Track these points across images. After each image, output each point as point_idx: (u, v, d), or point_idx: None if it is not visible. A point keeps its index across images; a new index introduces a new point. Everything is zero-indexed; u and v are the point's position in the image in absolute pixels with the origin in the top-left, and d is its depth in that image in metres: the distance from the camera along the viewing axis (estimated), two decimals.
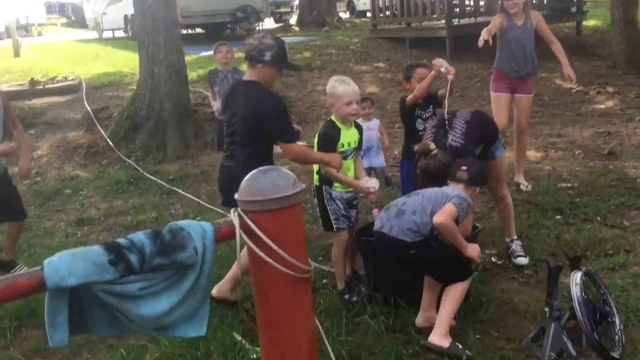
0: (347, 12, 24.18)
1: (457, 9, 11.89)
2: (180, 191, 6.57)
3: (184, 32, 16.10)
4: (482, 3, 11.89)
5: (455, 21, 11.83)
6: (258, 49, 3.40)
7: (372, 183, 3.71)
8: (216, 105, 6.19)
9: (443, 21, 11.88)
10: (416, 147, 3.54)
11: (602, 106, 8.78)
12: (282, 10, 24.76)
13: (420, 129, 4.24)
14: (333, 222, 3.68)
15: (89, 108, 9.02)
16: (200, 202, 6.13)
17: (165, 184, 6.81)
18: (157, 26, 7.99)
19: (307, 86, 10.79)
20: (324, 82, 10.98)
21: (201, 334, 1.92)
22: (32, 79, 10.34)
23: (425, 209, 3.04)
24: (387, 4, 13.54)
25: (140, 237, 1.81)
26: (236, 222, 1.88)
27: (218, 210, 5.80)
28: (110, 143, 8.09)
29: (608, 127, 7.55)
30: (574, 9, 12.16)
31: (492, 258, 4.13)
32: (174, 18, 8.22)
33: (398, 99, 9.98)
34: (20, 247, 5.03)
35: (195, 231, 1.84)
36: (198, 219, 5.64)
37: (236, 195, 2.00)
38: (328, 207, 3.68)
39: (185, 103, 8.39)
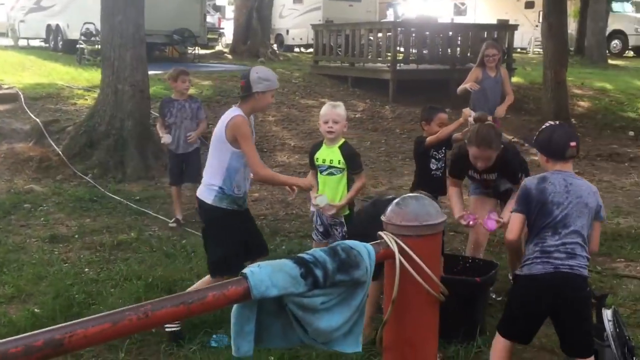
0: (275, 45, 24.57)
1: (402, 55, 12.50)
2: (152, 213, 6.43)
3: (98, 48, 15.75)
4: (425, 52, 12.58)
5: (399, 65, 12.43)
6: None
7: (320, 200, 3.92)
8: (168, 137, 5.93)
9: (387, 64, 12.47)
10: (474, 115, 4.12)
11: (535, 158, 9.50)
12: (209, 36, 24.77)
13: (433, 168, 4.55)
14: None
15: (38, 120, 8.60)
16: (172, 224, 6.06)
17: (133, 205, 6.64)
18: (125, 42, 7.86)
19: (257, 115, 10.86)
20: (274, 112, 11.21)
21: (357, 350, 2.00)
22: None
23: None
24: (330, 42, 13.97)
25: (320, 253, 1.88)
26: (394, 247, 2.01)
27: (198, 233, 5.76)
28: (64, 158, 7.76)
29: None
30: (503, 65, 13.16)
31: (492, 295, 4.39)
32: (142, 36, 8.12)
33: (349, 135, 10.31)
34: None
35: (363, 251, 1.95)
36: (184, 241, 5.58)
37: (384, 218, 2.12)
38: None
39: (147, 123, 8.24)
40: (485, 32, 12.91)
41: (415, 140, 4.65)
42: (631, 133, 11.15)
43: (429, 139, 4.48)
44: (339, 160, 4.00)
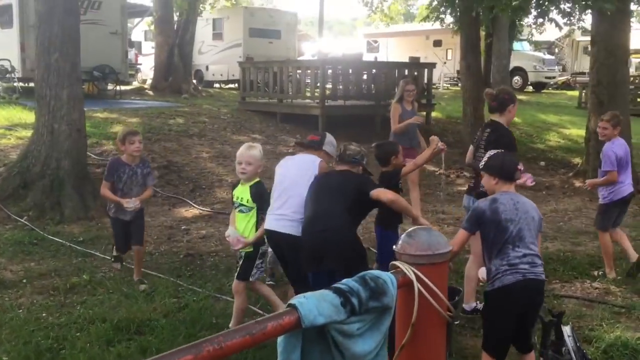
0: (195, 81, 24.49)
1: (329, 92, 12.93)
2: (99, 254, 6.31)
3: (22, 85, 15.29)
4: (350, 88, 13.08)
5: (327, 101, 12.83)
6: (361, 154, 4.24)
7: (228, 232, 4.33)
8: (134, 201, 5.28)
9: (315, 101, 12.85)
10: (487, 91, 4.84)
11: (464, 188, 10.13)
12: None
13: None
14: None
15: None
16: (129, 265, 5.98)
17: (77, 247, 6.49)
18: (61, 81, 7.72)
19: (190, 152, 10.88)
20: (207, 149, 11.24)
21: None
22: None
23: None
24: (257, 79, 14.21)
25: (352, 283, 2.06)
26: (412, 275, 2.22)
27: (154, 273, 5.74)
28: None
29: None
30: (424, 101, 13.90)
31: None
32: (78, 74, 8.01)
33: None
34: None
35: (387, 279, 2.14)
36: (145, 284, 5.52)
37: (396, 248, 2.33)
38: None
39: (84, 162, 8.08)
40: (406, 70, 13.59)
41: (383, 174, 4.88)
42: (542, 163, 12.08)
43: (406, 169, 4.81)
44: (248, 199, 4.28)
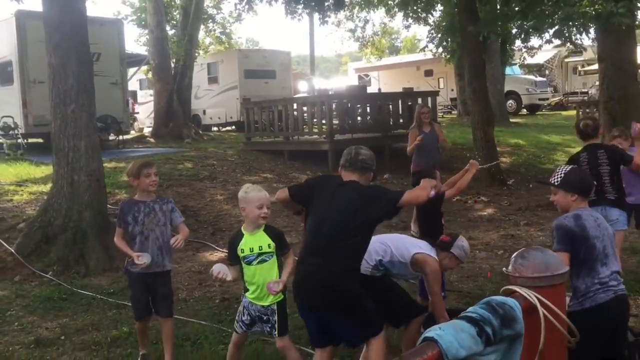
0: (193, 126, 24.51)
1: (337, 126, 12.94)
2: (131, 305, 6.13)
3: (25, 141, 15.22)
4: (359, 119, 13.12)
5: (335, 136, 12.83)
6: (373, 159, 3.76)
7: (217, 267, 3.89)
8: (146, 257, 4.35)
9: (323, 136, 12.84)
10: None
11: (484, 213, 10.07)
12: None
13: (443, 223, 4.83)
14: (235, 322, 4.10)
15: None
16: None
17: (109, 299, 6.32)
18: (78, 132, 7.65)
19: (204, 196, 10.79)
20: (220, 191, 11.15)
21: None
22: None
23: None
24: (262, 119, 14.23)
25: (482, 311, 1.95)
26: (535, 300, 2.11)
27: (194, 320, 5.58)
28: (19, 257, 7.28)
29: (504, 231, 8.69)
30: None
31: None
32: (95, 124, 7.97)
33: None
34: None
35: (513, 305, 2.04)
36: (181, 329, 5.36)
37: (508, 271, 2.24)
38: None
39: (104, 213, 7.94)
40: (410, 100, 13.66)
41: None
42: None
43: (450, 193, 4.80)
44: (269, 244, 3.87)
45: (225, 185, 11.48)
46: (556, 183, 3.41)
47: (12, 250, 7.40)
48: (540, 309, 2.10)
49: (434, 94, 14.21)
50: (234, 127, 23.88)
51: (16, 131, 14.49)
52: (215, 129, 24.79)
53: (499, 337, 1.91)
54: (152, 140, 19.00)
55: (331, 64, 78.96)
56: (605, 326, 3.10)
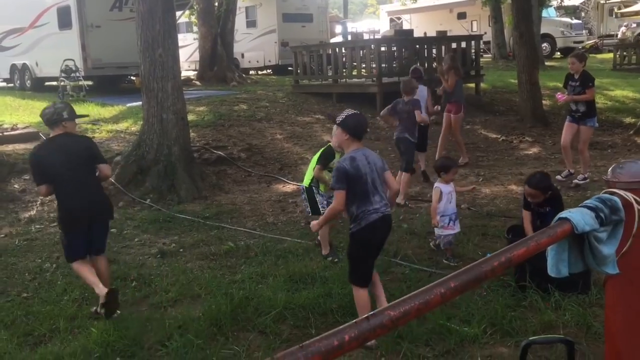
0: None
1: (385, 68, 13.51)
2: (230, 227, 7.04)
3: (87, 84, 16.02)
4: (404, 64, 13.67)
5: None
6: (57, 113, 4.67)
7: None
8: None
9: (372, 79, 13.45)
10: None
11: (529, 152, 10.73)
12: None
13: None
14: (320, 209, 5.67)
15: None
16: (258, 232, 6.73)
17: (209, 222, 7.21)
18: (166, 74, 8.42)
19: (265, 135, 11.56)
20: (279, 131, 11.92)
21: (616, 272, 2.85)
22: None
23: None
24: (312, 62, 14.83)
25: (595, 202, 2.73)
26: (631, 199, 2.88)
27: (287, 238, 6.45)
28: (119, 186, 8.20)
29: (551, 168, 9.37)
30: (473, 73, 14.45)
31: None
32: (179, 67, 8.70)
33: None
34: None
35: (617, 199, 2.81)
36: (279, 246, 6.24)
37: (607, 177, 3.00)
38: (317, 199, 5.80)
39: (189, 148, 8.81)
40: (455, 44, 14.13)
41: None
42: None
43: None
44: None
45: (282, 125, 12.24)
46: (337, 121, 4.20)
47: (112, 180, 8.31)
48: (635, 205, 2.86)
49: (478, 38, 14.62)
50: (270, 70, 24.42)
51: (77, 74, 15.28)
52: (252, 72, 25.36)
53: (608, 220, 2.69)
54: (197, 83, 19.70)
55: (355, 5, 77.97)
56: (375, 239, 4.16)
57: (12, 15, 18.77)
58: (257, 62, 24.02)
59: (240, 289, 4.94)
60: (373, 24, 37.94)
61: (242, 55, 24.82)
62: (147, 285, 5.25)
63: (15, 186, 8.20)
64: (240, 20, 24.24)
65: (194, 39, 22.32)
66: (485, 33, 27.64)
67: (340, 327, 1.20)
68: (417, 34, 26.06)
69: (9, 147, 9.48)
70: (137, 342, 4.18)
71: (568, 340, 2.32)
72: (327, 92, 14.38)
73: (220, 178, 9.10)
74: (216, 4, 20.57)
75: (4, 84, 20.40)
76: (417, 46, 13.96)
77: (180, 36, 28.00)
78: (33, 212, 7.60)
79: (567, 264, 2.73)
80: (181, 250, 6.24)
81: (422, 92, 8.43)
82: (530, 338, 2.18)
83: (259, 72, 24.85)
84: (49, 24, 16.96)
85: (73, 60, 15.43)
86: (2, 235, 6.82)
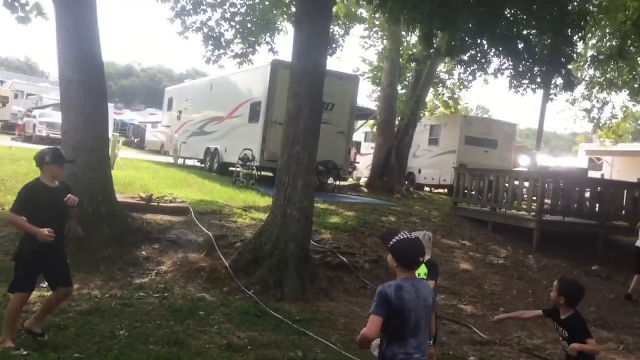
0: (407, 183, 25.19)
1: (549, 206, 12.49)
2: (312, 335, 6.69)
3: (258, 173, 17.09)
4: (571, 204, 12.52)
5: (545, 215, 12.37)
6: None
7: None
8: None
9: (531, 213, 12.45)
10: None
11: None
12: None
13: None
14: None
15: (210, 234, 9.42)
16: (336, 348, 6.27)
17: (294, 325, 6.94)
18: (299, 171, 8.59)
19: None
20: None
21: None
22: (150, 196, 10.92)
23: None
24: (472, 186, 14.26)
25: None
26: None
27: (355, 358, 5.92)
28: (231, 272, 8.33)
29: None
30: None
31: None
32: (314, 165, 8.85)
33: (494, 281, 10.19)
34: None
35: None
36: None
37: None
38: None
39: (307, 246, 8.76)
40: (637, 191, 12.64)
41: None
42: None
43: None
44: (425, 273, 5.06)
45: None
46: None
47: (227, 265, 8.50)
48: None
49: None
50: (445, 190, 24.05)
51: (252, 163, 16.43)
52: (427, 189, 25.21)
53: None
54: (364, 189, 20.04)
55: (564, 142, 75.00)
56: None
57: (217, 106, 21.14)
58: (432, 179, 23.87)
59: None
60: (571, 162, 35.90)
61: (419, 171, 24.91)
62: None
63: (143, 252, 8.76)
64: (423, 136, 24.57)
65: (372, 148, 22.97)
66: None
67: None
68: (618, 179, 23.96)
69: (157, 217, 10.29)
70: None
71: None
72: (483, 219, 13.61)
73: (332, 284, 8.84)
74: (398, 118, 21.11)
75: (198, 164, 22.71)
76: (590, 187, 12.73)
77: (364, 144, 29.36)
78: (146, 280, 7.99)
79: None
80: (249, 347, 6.02)
81: None
82: None
83: (433, 190, 24.61)
84: (242, 116, 18.71)
85: (251, 150, 16.69)
86: (107, 296, 7.21)
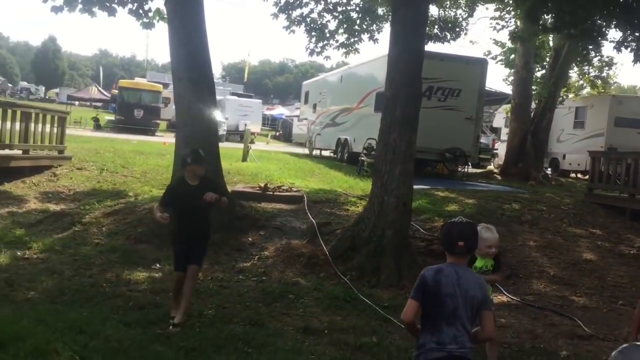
0: (549, 169, 23.72)
1: None
2: (396, 321, 6.65)
3: None
4: None
5: None
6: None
7: None
8: None
9: None
10: None
11: None
12: (482, 156, 25.16)
13: None
14: None
15: (314, 221, 9.70)
16: None
17: (380, 311, 6.95)
18: (396, 158, 8.53)
19: (517, 239, 10.60)
20: (535, 238, 10.78)
21: None
22: (265, 185, 11.47)
23: None
24: (609, 171, 13.12)
25: None
26: None
27: None
28: (330, 258, 8.51)
29: None
30: None
31: None
32: (412, 152, 8.73)
33: (620, 272, 9.38)
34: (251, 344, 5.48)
35: None
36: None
37: None
38: None
39: (405, 234, 8.67)
40: None
41: None
42: None
43: None
44: (491, 264, 5.13)
45: (544, 233, 11.05)
46: None
47: (327, 251, 8.70)
48: None
49: None
50: None
51: (373, 152, 16.48)
52: (573, 175, 23.55)
53: None
54: (498, 177, 19.22)
55: None
56: None
57: (346, 97, 21.48)
58: (578, 165, 22.26)
59: None
60: None
61: (564, 157, 23.38)
62: None
63: (249, 238, 9.25)
64: (568, 120, 23.00)
65: (506, 134, 21.95)
66: None
67: None
68: None
69: (270, 205, 10.78)
70: None
71: None
72: (621, 206, 12.48)
73: None
74: (535, 101, 19.94)
75: (331, 154, 23.26)
76: None
77: (504, 130, 28.04)
78: (248, 264, 8.45)
79: None
80: (326, 331, 6.15)
81: None
82: None
83: (579, 176, 22.93)
84: (368, 106, 18.85)
85: (375, 139, 16.73)
86: (209, 278, 7.75)
